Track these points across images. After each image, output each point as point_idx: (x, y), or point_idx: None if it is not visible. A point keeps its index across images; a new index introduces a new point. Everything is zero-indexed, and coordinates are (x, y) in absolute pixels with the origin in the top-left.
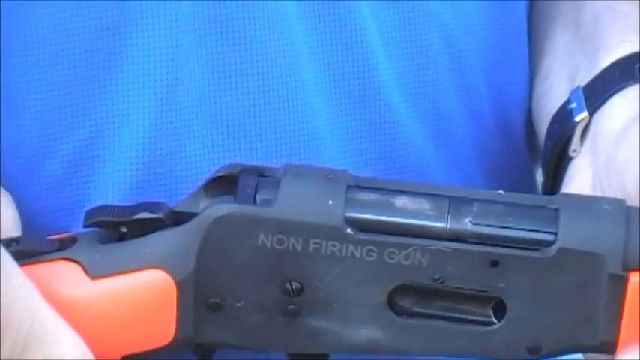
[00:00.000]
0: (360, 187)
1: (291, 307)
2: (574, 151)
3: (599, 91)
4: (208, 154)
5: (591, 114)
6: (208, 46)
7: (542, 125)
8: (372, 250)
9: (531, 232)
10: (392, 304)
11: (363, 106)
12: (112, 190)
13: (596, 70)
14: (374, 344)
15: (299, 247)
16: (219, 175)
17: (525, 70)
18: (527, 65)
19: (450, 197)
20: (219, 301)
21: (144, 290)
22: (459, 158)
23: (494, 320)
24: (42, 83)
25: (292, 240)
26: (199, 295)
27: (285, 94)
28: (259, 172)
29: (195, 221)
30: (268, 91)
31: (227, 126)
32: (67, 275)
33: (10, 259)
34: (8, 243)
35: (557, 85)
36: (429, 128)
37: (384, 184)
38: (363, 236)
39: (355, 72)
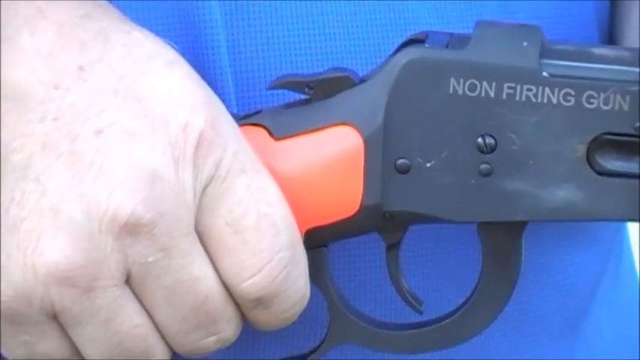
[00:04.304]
0: (554, 42)
1: (484, 166)
2: None
3: None
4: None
5: None
6: None
7: None
8: (569, 94)
9: None
10: (590, 161)
11: None
12: None
13: None
14: (571, 207)
15: (492, 94)
16: (410, 39)
17: (588, 37)
18: (588, 33)
19: None
20: (407, 162)
21: (331, 149)
22: None
23: None
24: None
25: (485, 85)
26: (387, 155)
27: (315, 49)
28: (448, 34)
29: (383, 70)
30: (295, 43)
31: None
32: (250, 138)
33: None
34: None
35: None
36: None
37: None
38: (559, 79)
39: (399, 30)
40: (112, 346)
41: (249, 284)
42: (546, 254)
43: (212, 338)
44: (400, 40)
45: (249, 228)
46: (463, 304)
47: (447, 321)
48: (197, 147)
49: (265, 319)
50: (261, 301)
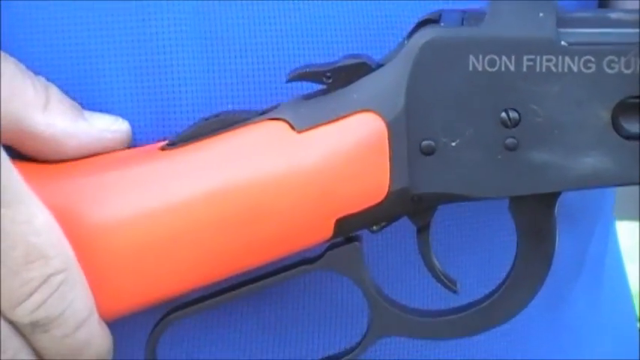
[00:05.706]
0: (569, 10)
1: (509, 140)
2: None
3: None
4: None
5: None
6: None
7: None
8: (589, 61)
9: None
10: (616, 126)
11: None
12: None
13: None
14: (601, 174)
15: (512, 67)
16: (424, 19)
17: None
18: None
19: None
20: (432, 143)
21: (354, 136)
22: None
23: None
24: None
25: (504, 59)
26: (412, 138)
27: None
28: (461, 11)
29: (401, 54)
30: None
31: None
32: (272, 133)
33: None
34: (208, 117)
35: None
36: None
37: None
38: (578, 47)
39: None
40: None
41: (20, 309)
42: None
43: None
44: (378, 26)
45: (17, 259)
46: (501, 284)
47: (485, 303)
48: None
49: (49, 344)
50: (37, 325)
